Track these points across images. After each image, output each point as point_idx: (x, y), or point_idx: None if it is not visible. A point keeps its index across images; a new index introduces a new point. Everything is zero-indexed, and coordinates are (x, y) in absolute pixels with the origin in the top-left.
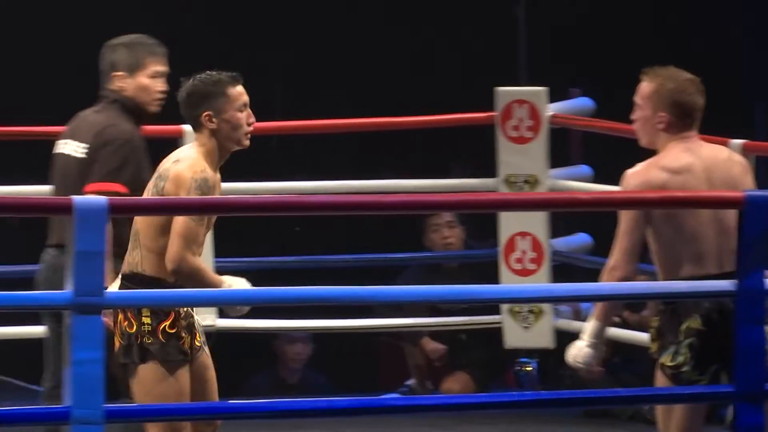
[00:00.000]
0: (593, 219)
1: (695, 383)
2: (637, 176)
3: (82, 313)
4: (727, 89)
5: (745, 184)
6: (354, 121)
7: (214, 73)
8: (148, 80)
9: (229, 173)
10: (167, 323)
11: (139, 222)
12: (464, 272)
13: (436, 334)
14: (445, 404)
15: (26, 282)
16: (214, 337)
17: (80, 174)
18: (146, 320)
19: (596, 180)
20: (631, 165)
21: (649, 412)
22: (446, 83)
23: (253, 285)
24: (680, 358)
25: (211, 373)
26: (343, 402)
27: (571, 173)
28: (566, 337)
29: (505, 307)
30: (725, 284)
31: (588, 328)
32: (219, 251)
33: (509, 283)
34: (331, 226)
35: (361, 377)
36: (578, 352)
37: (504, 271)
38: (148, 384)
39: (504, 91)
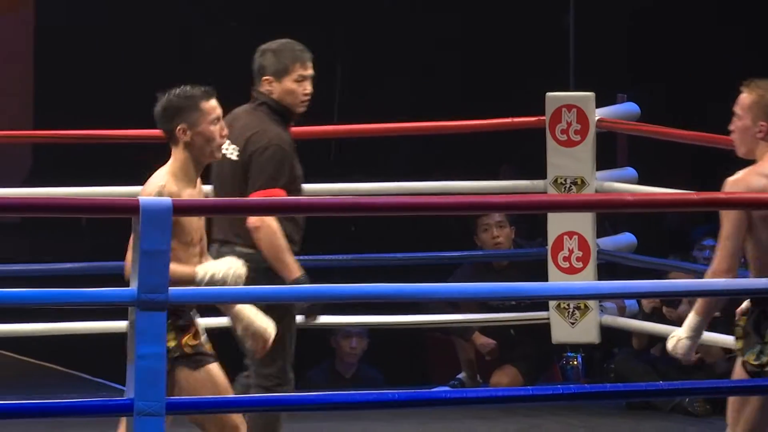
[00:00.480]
0: (638, 219)
1: None
2: (738, 183)
3: (146, 310)
4: None
5: None
6: (408, 125)
7: (188, 88)
8: (294, 84)
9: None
10: (189, 336)
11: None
12: (513, 270)
13: (487, 329)
14: (494, 397)
15: (90, 279)
16: None
17: (233, 176)
18: (171, 337)
19: (641, 182)
20: (674, 168)
21: (690, 404)
22: (499, 88)
23: (314, 282)
24: (765, 358)
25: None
26: (396, 395)
27: (617, 175)
28: (611, 333)
29: (552, 303)
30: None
31: (688, 320)
32: None
33: (557, 280)
34: (385, 226)
35: (413, 371)
36: (677, 343)
37: (552, 269)
38: (187, 390)
39: (553, 96)
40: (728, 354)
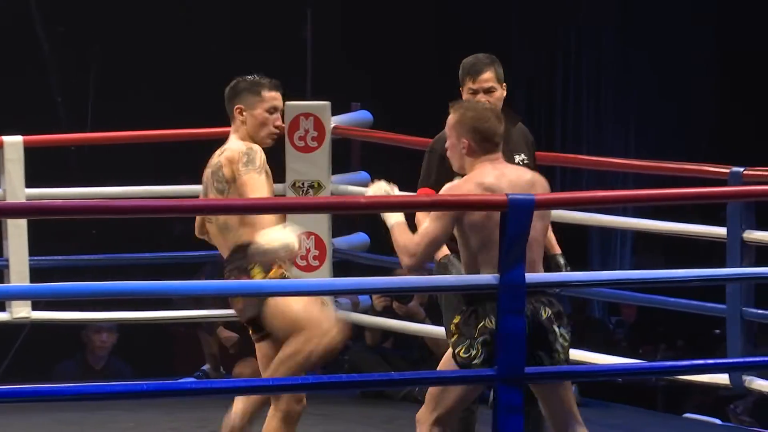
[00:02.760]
0: (371, 220)
1: None
2: (452, 190)
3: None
4: None
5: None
6: (145, 133)
7: (259, 77)
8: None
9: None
10: (273, 271)
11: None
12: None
13: (230, 324)
14: (236, 387)
15: None
16: (28, 328)
17: None
18: (258, 275)
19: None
20: (405, 171)
21: (420, 392)
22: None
23: (65, 281)
24: (473, 352)
25: None
26: (145, 386)
27: (352, 179)
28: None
29: None
30: (489, 278)
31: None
32: (35, 251)
33: (294, 278)
34: (126, 229)
35: (160, 363)
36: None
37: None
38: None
39: (292, 105)
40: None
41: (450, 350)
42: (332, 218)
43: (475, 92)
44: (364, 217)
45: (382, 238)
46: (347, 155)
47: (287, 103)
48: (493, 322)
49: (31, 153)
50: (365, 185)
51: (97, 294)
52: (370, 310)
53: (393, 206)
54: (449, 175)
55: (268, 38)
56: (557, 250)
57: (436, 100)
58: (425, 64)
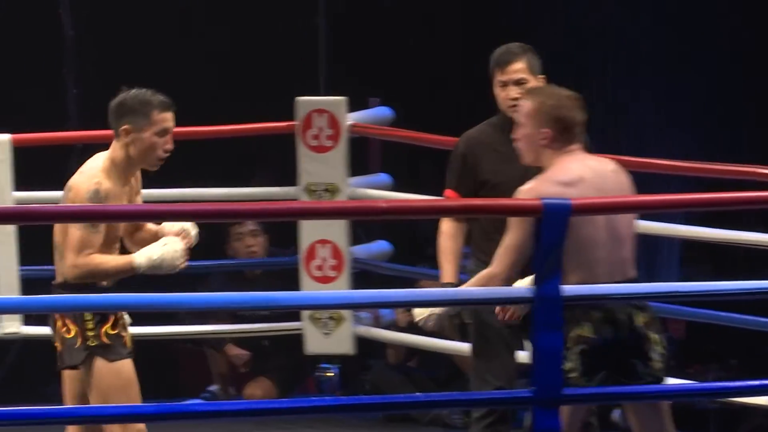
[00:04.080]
0: (392, 227)
1: None
2: (529, 193)
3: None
4: None
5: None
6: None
7: (149, 93)
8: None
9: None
10: (108, 326)
11: (57, 235)
12: (267, 280)
13: (240, 340)
14: (247, 409)
15: None
16: (19, 343)
17: None
18: (89, 324)
19: (395, 188)
20: (429, 173)
21: (448, 416)
22: (249, 93)
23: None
24: (569, 364)
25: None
26: (146, 408)
27: (371, 181)
28: (366, 344)
29: (305, 313)
30: (524, 291)
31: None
32: (25, 260)
33: (310, 289)
34: None
35: (164, 383)
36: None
37: (305, 278)
38: (98, 380)
39: (304, 100)
40: None
41: None
42: (350, 225)
43: (504, 84)
44: (384, 224)
45: (404, 246)
46: (365, 156)
47: (298, 99)
48: (589, 329)
49: (28, 153)
50: (386, 188)
51: (93, 307)
52: (393, 326)
53: (416, 211)
54: (474, 175)
55: (276, 24)
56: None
57: (462, 94)
58: (451, 55)
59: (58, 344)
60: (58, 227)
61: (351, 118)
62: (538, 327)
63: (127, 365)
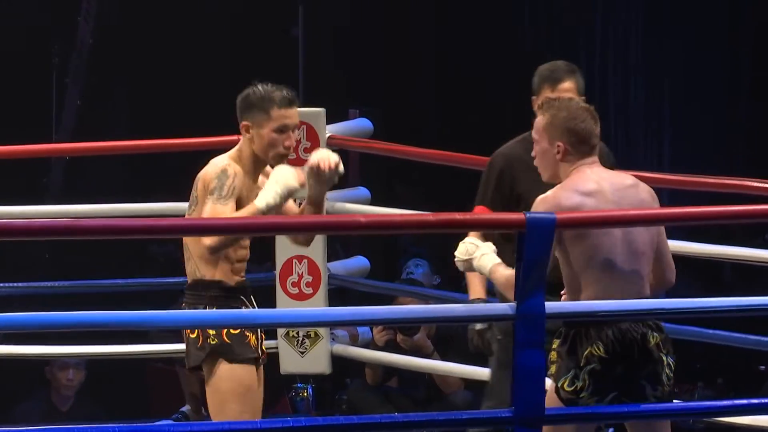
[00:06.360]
0: (371, 242)
1: None
2: (546, 201)
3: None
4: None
5: (654, 207)
6: (129, 144)
7: (273, 88)
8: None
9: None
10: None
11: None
12: None
13: None
14: (219, 431)
15: None
16: None
17: None
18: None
19: (374, 202)
20: (409, 187)
21: None
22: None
23: (26, 310)
24: (579, 384)
25: (260, 389)
26: (117, 429)
27: (349, 195)
28: (343, 363)
29: (281, 331)
30: (505, 308)
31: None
32: None
33: (285, 306)
34: (108, 250)
35: (134, 404)
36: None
37: (280, 295)
38: (216, 383)
39: None
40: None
41: (552, 385)
42: (327, 240)
43: None
44: (363, 239)
45: (382, 262)
46: (344, 169)
47: None
48: (602, 348)
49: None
50: (365, 203)
51: (63, 325)
52: (371, 344)
53: (395, 226)
54: (509, 192)
55: (253, 36)
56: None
57: (446, 105)
58: (432, 65)
59: (185, 345)
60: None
61: (330, 130)
62: (519, 345)
63: (249, 372)
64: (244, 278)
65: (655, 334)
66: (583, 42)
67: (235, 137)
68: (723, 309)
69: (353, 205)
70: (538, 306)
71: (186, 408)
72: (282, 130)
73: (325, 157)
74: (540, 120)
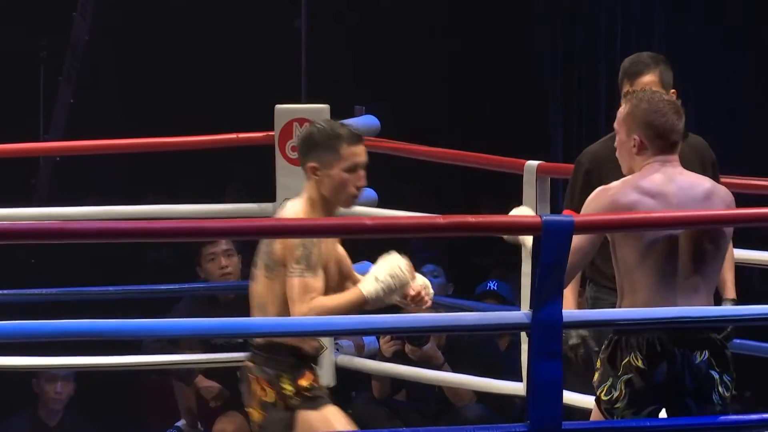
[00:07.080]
0: (376, 246)
1: None
2: (601, 194)
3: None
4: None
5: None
6: (123, 142)
7: (338, 124)
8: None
9: None
10: (303, 380)
11: (259, 290)
12: (242, 304)
13: (211, 371)
14: None
15: None
16: None
17: None
18: (287, 386)
19: (381, 204)
20: (418, 188)
21: None
22: (226, 101)
23: (12, 319)
24: (615, 393)
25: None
26: None
27: None
28: (348, 375)
29: None
30: (520, 316)
31: None
32: None
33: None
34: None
35: (127, 418)
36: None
37: None
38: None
39: (283, 108)
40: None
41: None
42: None
43: None
44: (369, 243)
45: None
46: None
47: (277, 107)
48: (640, 359)
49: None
50: (372, 205)
51: (51, 335)
52: (378, 355)
53: (403, 229)
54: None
55: (254, 28)
56: (731, 294)
57: (456, 101)
58: (442, 60)
59: (253, 410)
60: (258, 282)
61: None
62: (535, 355)
63: (332, 410)
64: (319, 343)
65: (704, 350)
66: (604, 42)
67: (234, 136)
68: (752, 317)
69: (359, 207)
70: (555, 313)
71: (181, 423)
72: (353, 169)
73: (429, 293)
74: (621, 110)
